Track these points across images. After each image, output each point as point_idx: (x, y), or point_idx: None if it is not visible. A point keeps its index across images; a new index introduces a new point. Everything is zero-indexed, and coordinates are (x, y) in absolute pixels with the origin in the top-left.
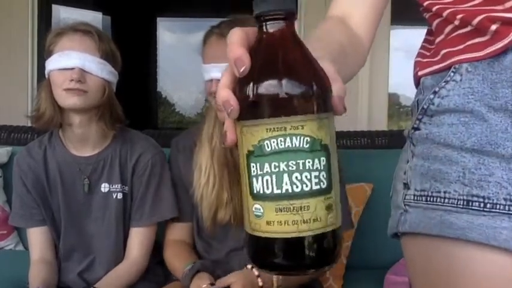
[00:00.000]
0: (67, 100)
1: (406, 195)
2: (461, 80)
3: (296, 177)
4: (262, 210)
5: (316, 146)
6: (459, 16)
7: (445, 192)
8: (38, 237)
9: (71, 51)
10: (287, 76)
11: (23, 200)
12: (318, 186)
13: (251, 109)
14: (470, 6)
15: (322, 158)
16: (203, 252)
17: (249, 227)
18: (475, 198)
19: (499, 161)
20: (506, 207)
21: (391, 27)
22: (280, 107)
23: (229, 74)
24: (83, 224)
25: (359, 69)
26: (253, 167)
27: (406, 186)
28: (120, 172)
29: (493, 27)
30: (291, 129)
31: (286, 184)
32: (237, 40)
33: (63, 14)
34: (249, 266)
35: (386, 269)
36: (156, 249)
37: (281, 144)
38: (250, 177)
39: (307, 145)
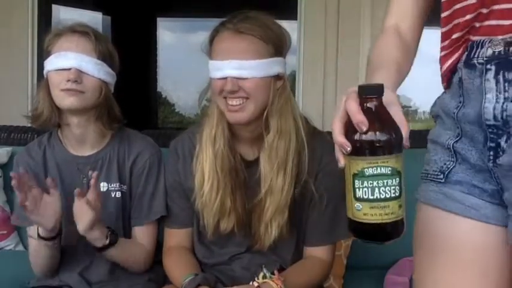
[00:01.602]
0: (64, 101)
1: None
2: (438, 97)
3: (383, 190)
4: (361, 207)
5: (394, 172)
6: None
7: (425, 170)
8: None
9: (68, 52)
10: (381, 132)
11: None
12: (395, 195)
13: (357, 149)
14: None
15: (396, 178)
16: (202, 258)
17: (351, 215)
18: (424, 172)
19: (440, 147)
20: (434, 176)
21: None
22: (376, 150)
23: (340, 123)
24: None
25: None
26: (357, 182)
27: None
28: (118, 171)
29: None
30: (381, 162)
31: (377, 193)
32: (356, 108)
33: (63, 14)
34: (255, 284)
35: (386, 269)
36: (157, 249)
37: (375, 171)
38: (354, 188)
39: (389, 171)
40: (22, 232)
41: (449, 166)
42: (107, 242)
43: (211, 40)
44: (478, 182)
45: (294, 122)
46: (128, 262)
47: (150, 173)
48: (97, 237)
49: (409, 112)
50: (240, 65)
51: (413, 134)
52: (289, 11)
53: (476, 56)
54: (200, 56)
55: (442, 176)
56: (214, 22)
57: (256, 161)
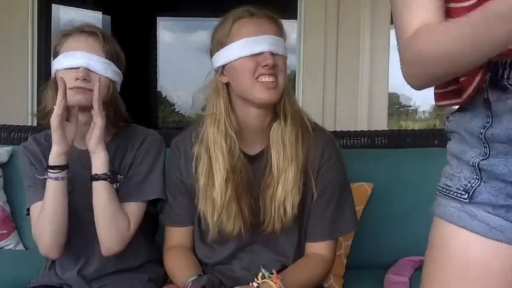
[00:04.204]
0: (72, 98)
1: None
2: (454, 113)
3: None
4: None
5: None
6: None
7: (446, 185)
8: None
9: (76, 52)
10: None
11: (34, 178)
12: None
13: None
14: None
15: None
16: (203, 257)
17: None
18: (445, 186)
19: (465, 164)
20: (457, 194)
21: (391, 27)
22: None
23: None
24: (81, 214)
25: None
26: None
27: None
28: (120, 164)
29: (461, 79)
30: None
31: None
32: None
33: (62, 14)
34: (255, 284)
35: (386, 269)
36: (157, 248)
37: None
38: None
39: None
40: (22, 232)
41: (473, 185)
42: (108, 171)
43: (230, 26)
44: (503, 201)
45: (297, 109)
46: (110, 220)
47: (147, 156)
48: (102, 160)
49: (409, 112)
50: (276, 41)
51: (413, 133)
52: (289, 10)
53: (505, 77)
54: (200, 56)
55: (466, 196)
56: (214, 22)
57: (261, 154)
